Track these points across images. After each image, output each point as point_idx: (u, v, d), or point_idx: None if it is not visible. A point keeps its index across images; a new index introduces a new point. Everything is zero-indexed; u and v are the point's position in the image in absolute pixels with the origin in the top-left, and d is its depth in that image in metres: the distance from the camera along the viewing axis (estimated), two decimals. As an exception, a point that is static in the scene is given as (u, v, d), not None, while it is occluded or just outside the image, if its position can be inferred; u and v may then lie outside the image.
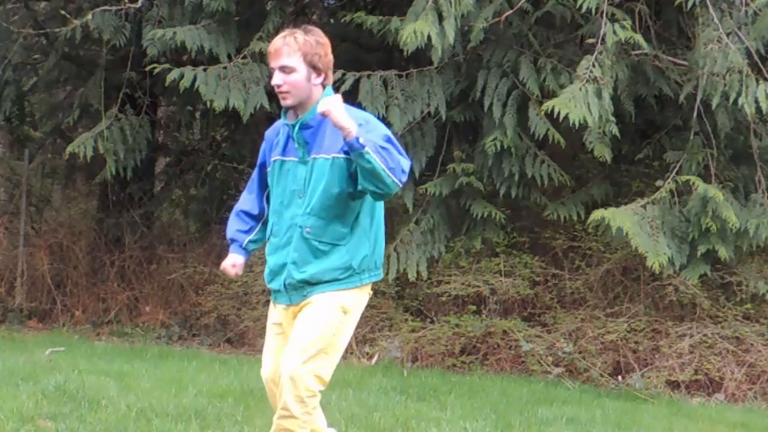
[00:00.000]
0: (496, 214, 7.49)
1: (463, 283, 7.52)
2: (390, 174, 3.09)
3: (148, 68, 7.64)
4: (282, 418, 3.26)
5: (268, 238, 3.44)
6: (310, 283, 3.31)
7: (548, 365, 7.05)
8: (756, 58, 6.68)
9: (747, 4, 6.75)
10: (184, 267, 9.18)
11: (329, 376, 3.31)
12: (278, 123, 3.46)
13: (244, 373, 6.27)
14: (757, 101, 6.45)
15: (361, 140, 3.03)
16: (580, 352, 7.05)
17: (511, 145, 7.26)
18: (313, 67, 3.26)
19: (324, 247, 3.30)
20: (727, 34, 6.61)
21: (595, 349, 7.04)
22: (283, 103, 3.29)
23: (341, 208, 3.28)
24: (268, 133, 3.50)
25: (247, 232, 3.54)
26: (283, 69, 3.24)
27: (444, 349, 7.33)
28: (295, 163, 3.33)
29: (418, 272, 7.50)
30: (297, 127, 3.30)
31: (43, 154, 11.18)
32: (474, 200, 7.60)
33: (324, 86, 3.32)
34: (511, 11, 6.96)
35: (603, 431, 5.18)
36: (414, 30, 6.44)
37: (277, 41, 3.27)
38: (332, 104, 3.06)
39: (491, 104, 7.32)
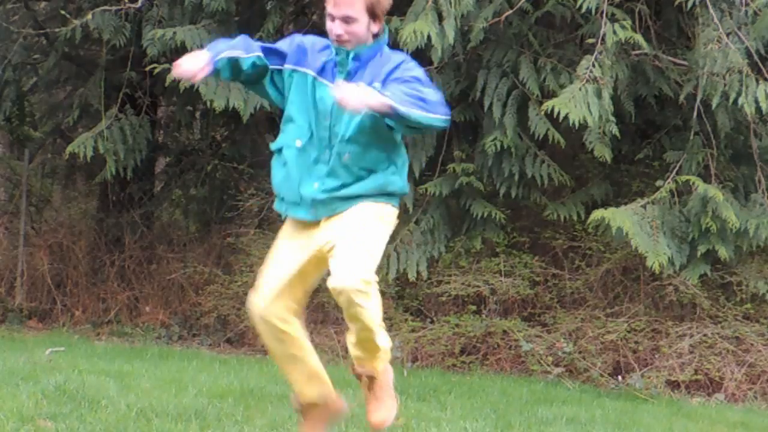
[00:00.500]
0: (496, 214, 7.49)
1: (463, 283, 7.52)
2: (433, 115, 3.14)
3: (148, 68, 7.64)
4: (354, 309, 3.16)
5: (289, 144, 3.34)
6: (341, 199, 3.30)
7: (548, 365, 7.05)
8: (756, 58, 6.68)
9: (747, 4, 6.75)
10: (184, 267, 9.18)
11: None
12: (316, 38, 3.39)
13: (244, 373, 6.27)
14: (757, 101, 6.45)
15: (399, 109, 3.04)
16: (580, 352, 7.05)
17: (511, 145, 7.25)
18: (373, 16, 3.25)
19: (362, 173, 3.31)
20: (727, 34, 6.61)
21: (595, 349, 7.04)
22: (339, 47, 3.26)
23: (379, 136, 3.30)
24: (308, 38, 3.38)
25: (230, 58, 3.25)
26: (346, 19, 3.20)
27: (444, 349, 7.33)
28: (326, 86, 3.29)
29: (418, 272, 7.49)
30: (351, 57, 3.27)
31: (43, 154, 11.18)
32: (474, 200, 7.59)
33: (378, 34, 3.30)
34: (511, 11, 6.96)
35: (603, 431, 5.18)
36: (414, 30, 6.44)
37: None
38: (353, 97, 3.02)
39: (491, 104, 7.32)
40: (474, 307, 7.57)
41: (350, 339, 3.40)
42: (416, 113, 3.09)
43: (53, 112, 10.92)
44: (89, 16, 7.79)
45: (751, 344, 6.86)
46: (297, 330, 3.47)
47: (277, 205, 3.49)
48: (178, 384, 5.68)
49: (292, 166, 3.34)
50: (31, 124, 11.12)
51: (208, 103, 7.45)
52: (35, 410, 4.58)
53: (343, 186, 3.30)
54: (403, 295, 7.90)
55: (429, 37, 6.46)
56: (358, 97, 3.02)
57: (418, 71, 3.29)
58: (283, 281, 3.41)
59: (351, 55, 3.28)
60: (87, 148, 8.12)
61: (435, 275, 7.69)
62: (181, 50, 7.81)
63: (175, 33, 7.47)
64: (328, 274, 3.23)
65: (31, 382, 5.34)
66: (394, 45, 7.14)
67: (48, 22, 9.73)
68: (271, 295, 3.44)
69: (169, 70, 7.34)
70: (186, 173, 10.22)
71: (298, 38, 3.43)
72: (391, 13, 7.44)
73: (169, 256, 9.46)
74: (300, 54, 3.36)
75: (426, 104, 3.13)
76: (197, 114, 10.51)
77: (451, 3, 6.59)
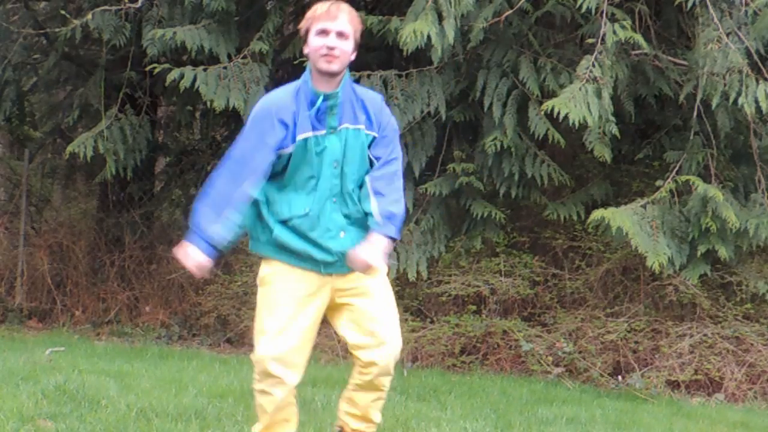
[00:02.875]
0: (496, 214, 7.50)
1: (463, 283, 7.52)
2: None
3: (148, 68, 7.64)
4: (387, 378, 3.59)
5: (297, 216, 3.35)
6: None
7: (548, 365, 7.05)
8: (756, 58, 6.68)
9: (747, 4, 6.75)
10: (184, 267, 9.16)
11: None
12: (281, 96, 3.36)
13: (244, 373, 6.27)
14: (757, 101, 6.44)
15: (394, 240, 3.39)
16: (580, 352, 7.05)
17: (511, 145, 7.26)
18: (356, 43, 3.37)
19: (362, 210, 3.43)
20: (727, 34, 6.61)
21: (595, 349, 7.04)
22: (328, 67, 3.28)
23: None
24: (283, 110, 3.32)
25: (230, 228, 3.33)
26: (341, 34, 3.28)
27: (444, 349, 7.33)
28: (324, 136, 3.33)
29: (418, 272, 7.50)
30: (339, 96, 3.32)
31: (43, 154, 11.18)
32: (474, 200, 7.60)
33: None
34: (511, 11, 6.96)
35: (603, 431, 5.18)
36: (414, 30, 6.44)
37: (334, 6, 3.30)
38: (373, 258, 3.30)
39: (491, 104, 7.33)
40: (474, 307, 7.58)
41: (351, 407, 3.62)
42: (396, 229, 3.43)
43: (53, 112, 10.93)
44: (89, 16, 7.79)
45: (751, 344, 6.86)
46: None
47: (305, 264, 3.41)
48: (178, 384, 5.68)
49: (309, 231, 3.36)
50: (31, 124, 11.14)
51: (208, 103, 7.45)
52: (35, 410, 4.58)
53: (362, 230, 3.41)
54: (403, 295, 7.90)
55: (429, 37, 6.46)
56: (376, 256, 3.29)
57: (394, 121, 3.51)
58: (308, 343, 3.47)
59: (339, 95, 3.33)
60: (87, 148, 8.12)
61: (435, 275, 7.69)
62: (181, 50, 7.83)
63: (175, 33, 7.47)
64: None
65: (31, 382, 5.34)
66: (394, 45, 7.17)
67: (48, 22, 9.73)
68: (297, 355, 3.45)
69: (169, 70, 7.39)
70: (186, 173, 10.23)
71: (268, 111, 3.33)
72: (391, 12, 7.47)
73: (169, 256, 9.45)
74: (287, 124, 3.32)
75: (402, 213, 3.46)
76: (197, 114, 10.52)
77: (451, 3, 6.59)
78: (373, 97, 3.46)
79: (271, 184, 3.39)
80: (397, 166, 3.48)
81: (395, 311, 3.56)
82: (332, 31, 3.27)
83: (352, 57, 3.38)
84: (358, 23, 3.37)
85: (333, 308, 3.51)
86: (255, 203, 3.39)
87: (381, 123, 3.43)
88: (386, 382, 3.56)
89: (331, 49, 3.26)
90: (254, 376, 3.42)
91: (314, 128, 3.31)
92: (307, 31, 3.34)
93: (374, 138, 3.41)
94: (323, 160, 3.33)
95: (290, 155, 3.32)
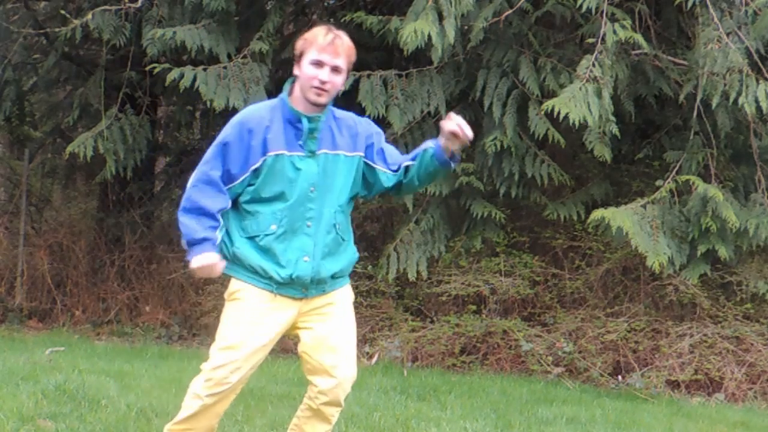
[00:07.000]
0: (496, 213, 7.50)
1: (463, 283, 7.52)
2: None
3: (148, 68, 7.64)
4: (336, 409, 3.46)
5: (264, 231, 3.28)
6: (333, 278, 3.39)
7: (548, 365, 7.06)
8: (756, 57, 6.68)
9: (747, 4, 6.75)
10: (184, 267, 9.17)
11: None
12: (257, 109, 3.31)
13: (244, 373, 6.27)
14: (757, 101, 6.45)
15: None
16: (580, 352, 7.05)
17: (511, 144, 7.26)
18: (348, 73, 3.33)
19: (343, 242, 3.40)
20: (727, 34, 6.61)
21: (595, 349, 7.04)
22: (316, 99, 3.23)
23: (351, 204, 3.44)
24: (254, 123, 3.26)
25: (216, 229, 3.29)
26: (336, 69, 3.23)
27: (444, 349, 7.33)
28: (301, 158, 3.27)
29: (418, 272, 7.50)
30: (322, 121, 3.28)
31: (43, 154, 11.18)
32: (474, 200, 7.60)
33: None
34: (510, 11, 6.96)
35: (603, 431, 5.19)
36: (414, 29, 6.44)
37: (338, 40, 3.22)
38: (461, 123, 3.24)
39: (491, 104, 7.33)
40: (474, 307, 7.58)
41: None
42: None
43: (53, 112, 10.93)
44: (89, 16, 7.79)
45: (751, 344, 6.87)
46: None
47: (258, 283, 3.33)
48: (178, 384, 5.67)
49: (275, 249, 3.29)
50: (31, 124, 11.12)
51: (208, 103, 7.45)
52: (35, 410, 4.58)
53: (336, 262, 3.37)
54: (403, 294, 7.91)
55: (429, 37, 6.46)
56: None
57: (375, 126, 3.47)
58: (260, 360, 3.43)
59: (322, 120, 3.27)
60: (87, 147, 8.12)
61: (435, 275, 7.69)
62: (181, 50, 7.83)
63: (175, 33, 7.47)
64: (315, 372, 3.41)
65: (31, 382, 5.34)
66: (394, 45, 7.17)
67: (48, 22, 9.72)
68: (249, 374, 3.45)
69: (169, 70, 7.38)
70: (186, 173, 10.15)
71: (241, 123, 3.27)
72: (391, 12, 7.47)
73: (169, 256, 9.46)
74: (257, 138, 3.24)
75: None
76: (197, 114, 10.51)
77: (451, 3, 6.59)
78: (350, 116, 3.41)
79: (243, 199, 3.33)
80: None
81: (354, 342, 3.44)
82: (328, 65, 3.21)
83: (342, 88, 3.32)
84: (353, 55, 3.29)
85: (295, 329, 3.44)
86: (225, 216, 3.34)
87: (366, 135, 3.39)
88: (335, 413, 3.46)
89: (324, 83, 3.21)
90: (201, 382, 3.43)
91: (289, 148, 3.25)
92: (301, 54, 3.25)
93: (361, 157, 3.36)
94: (298, 182, 3.26)
95: (258, 170, 3.25)
